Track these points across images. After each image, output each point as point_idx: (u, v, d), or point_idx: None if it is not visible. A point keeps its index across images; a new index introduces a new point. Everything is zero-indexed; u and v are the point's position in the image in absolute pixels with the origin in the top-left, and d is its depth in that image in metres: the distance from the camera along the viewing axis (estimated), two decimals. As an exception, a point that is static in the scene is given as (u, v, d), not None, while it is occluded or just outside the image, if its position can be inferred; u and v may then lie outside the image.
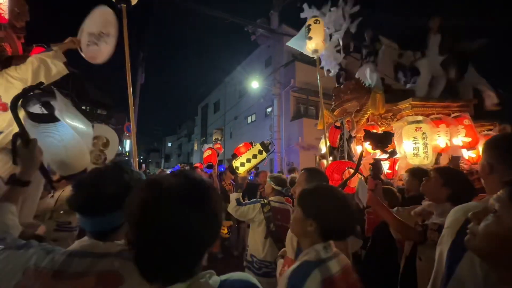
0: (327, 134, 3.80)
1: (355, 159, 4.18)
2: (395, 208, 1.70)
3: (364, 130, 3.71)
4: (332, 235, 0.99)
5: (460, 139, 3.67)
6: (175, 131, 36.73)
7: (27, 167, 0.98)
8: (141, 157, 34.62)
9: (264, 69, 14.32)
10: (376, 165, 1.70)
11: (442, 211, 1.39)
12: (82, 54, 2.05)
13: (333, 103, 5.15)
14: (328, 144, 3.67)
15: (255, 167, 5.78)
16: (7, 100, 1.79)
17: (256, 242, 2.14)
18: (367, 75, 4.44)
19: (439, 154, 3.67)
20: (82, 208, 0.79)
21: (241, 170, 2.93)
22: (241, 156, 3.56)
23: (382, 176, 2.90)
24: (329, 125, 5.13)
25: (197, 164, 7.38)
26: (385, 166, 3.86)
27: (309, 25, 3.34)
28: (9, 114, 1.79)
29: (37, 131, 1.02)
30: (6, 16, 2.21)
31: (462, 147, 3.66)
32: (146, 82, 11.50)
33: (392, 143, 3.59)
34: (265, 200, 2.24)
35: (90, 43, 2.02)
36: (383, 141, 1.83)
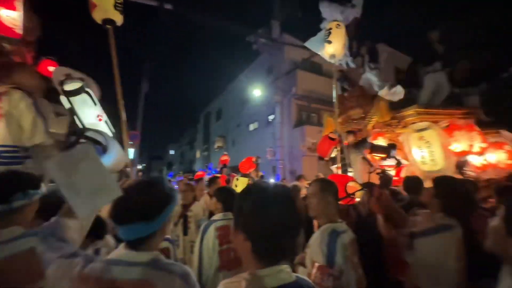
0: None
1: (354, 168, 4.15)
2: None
3: (370, 143, 3.72)
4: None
5: (477, 145, 3.69)
6: (177, 139, 36.91)
7: None
8: (143, 164, 34.67)
9: (266, 77, 14.46)
10: (383, 175, 1.80)
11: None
12: None
13: (338, 110, 5.18)
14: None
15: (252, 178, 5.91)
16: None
17: None
18: (373, 82, 4.48)
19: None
20: (113, 217, 0.88)
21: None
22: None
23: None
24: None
25: (199, 173, 7.38)
26: (391, 173, 3.85)
27: (330, 28, 3.17)
28: None
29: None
30: (19, 31, 2.26)
31: (478, 153, 3.69)
32: (150, 91, 11.65)
33: (397, 151, 3.60)
34: None
35: None
36: (387, 151, 1.97)
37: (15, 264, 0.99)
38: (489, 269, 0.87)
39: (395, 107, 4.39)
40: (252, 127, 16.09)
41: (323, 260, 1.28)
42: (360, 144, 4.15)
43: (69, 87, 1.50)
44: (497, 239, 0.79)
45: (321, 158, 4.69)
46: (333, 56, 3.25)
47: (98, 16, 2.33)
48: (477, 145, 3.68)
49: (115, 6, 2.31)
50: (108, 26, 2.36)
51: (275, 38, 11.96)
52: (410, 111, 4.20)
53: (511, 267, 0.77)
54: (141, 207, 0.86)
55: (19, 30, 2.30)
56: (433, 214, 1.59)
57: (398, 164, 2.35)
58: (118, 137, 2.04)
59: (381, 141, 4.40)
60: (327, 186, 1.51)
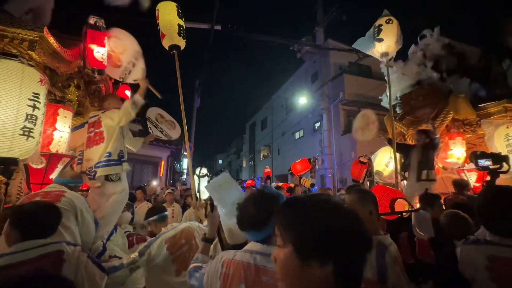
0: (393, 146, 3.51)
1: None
2: None
3: (472, 153, 3.33)
4: None
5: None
6: (225, 149, 38.72)
7: (212, 227, 1.38)
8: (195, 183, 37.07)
9: (311, 85, 14.26)
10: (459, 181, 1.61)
11: None
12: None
13: (401, 111, 4.74)
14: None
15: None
16: (107, 134, 2.38)
17: None
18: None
19: None
20: (241, 227, 1.10)
21: None
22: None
23: (468, 193, 2.55)
24: (397, 134, 4.75)
25: (249, 182, 7.60)
26: (472, 178, 3.36)
27: (380, 25, 2.95)
28: (101, 148, 2.37)
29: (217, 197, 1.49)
30: (105, 63, 2.76)
31: None
32: (201, 105, 12.62)
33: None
34: None
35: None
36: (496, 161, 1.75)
37: None
38: None
39: (473, 103, 3.81)
40: (297, 135, 15.91)
41: (374, 276, 1.21)
42: (430, 146, 3.73)
43: (201, 172, 2.53)
44: None
45: (355, 181, 4.53)
46: (385, 54, 3.04)
47: (166, 43, 2.73)
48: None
49: (179, 33, 2.68)
50: (174, 51, 2.74)
51: (319, 45, 11.78)
52: (497, 107, 3.54)
53: None
54: (257, 215, 1.03)
55: (105, 62, 2.81)
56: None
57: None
58: (182, 147, 2.42)
59: (459, 143, 3.91)
60: (366, 196, 1.44)
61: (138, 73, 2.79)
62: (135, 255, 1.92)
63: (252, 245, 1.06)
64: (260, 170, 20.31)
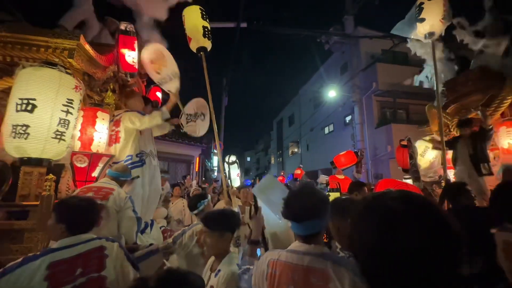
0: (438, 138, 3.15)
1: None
2: None
3: None
4: None
5: None
6: (252, 146, 39.02)
7: (257, 231, 1.38)
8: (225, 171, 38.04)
9: (340, 77, 13.62)
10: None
11: None
12: (185, 129, 2.96)
13: (445, 98, 4.23)
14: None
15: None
16: (124, 136, 2.57)
17: None
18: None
19: None
20: (290, 216, 1.06)
21: None
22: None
23: None
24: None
25: (279, 178, 7.54)
26: None
27: (421, 3, 2.70)
28: (116, 148, 2.56)
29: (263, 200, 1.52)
30: (136, 67, 2.90)
31: None
32: (228, 103, 12.82)
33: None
34: None
35: (189, 121, 2.92)
36: None
37: None
38: None
39: None
40: (327, 130, 15.37)
41: None
42: (479, 136, 3.25)
43: (230, 159, 2.61)
44: None
45: (405, 171, 4.07)
46: (431, 34, 2.72)
47: (193, 46, 2.82)
48: None
49: (204, 35, 2.74)
50: (201, 53, 2.80)
51: (349, 34, 11.17)
52: None
53: None
54: (311, 207, 1.02)
55: (136, 66, 2.95)
56: None
57: None
58: (212, 145, 2.48)
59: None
60: None
61: (172, 87, 2.89)
62: (169, 240, 2.02)
63: (297, 245, 1.03)
64: (289, 167, 20.08)
